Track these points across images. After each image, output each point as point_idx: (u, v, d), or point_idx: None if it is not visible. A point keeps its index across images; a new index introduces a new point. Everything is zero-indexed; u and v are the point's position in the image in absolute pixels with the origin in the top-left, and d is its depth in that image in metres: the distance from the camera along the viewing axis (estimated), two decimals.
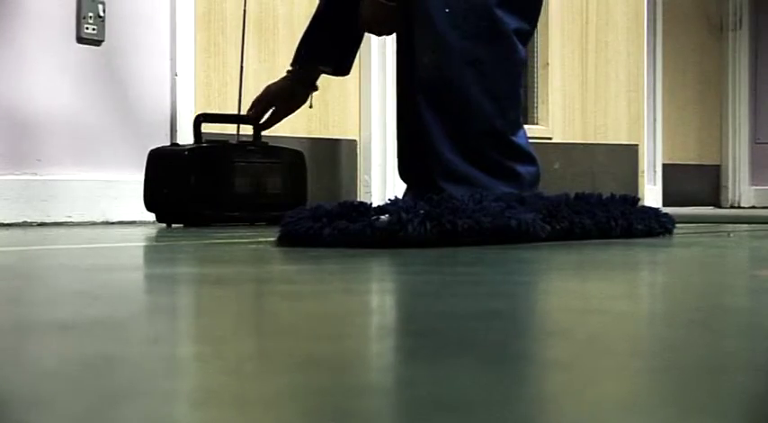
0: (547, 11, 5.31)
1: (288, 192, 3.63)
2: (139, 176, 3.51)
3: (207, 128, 3.77)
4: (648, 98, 6.26)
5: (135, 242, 2.67)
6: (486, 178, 2.66)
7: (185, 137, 3.60)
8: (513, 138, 2.72)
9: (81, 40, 3.69)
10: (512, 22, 2.69)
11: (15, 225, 3.46)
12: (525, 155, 2.74)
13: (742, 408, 0.67)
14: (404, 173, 2.83)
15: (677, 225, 2.72)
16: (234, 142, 3.64)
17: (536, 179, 2.74)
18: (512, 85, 2.73)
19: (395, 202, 2.25)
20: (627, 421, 0.63)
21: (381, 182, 4.72)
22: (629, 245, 2.34)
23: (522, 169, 2.71)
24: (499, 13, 2.67)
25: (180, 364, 0.84)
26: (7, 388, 0.72)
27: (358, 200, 3.38)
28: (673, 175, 6.66)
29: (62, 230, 3.17)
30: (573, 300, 1.30)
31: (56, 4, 3.65)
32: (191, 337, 1.02)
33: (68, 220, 3.61)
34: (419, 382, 0.75)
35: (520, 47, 2.73)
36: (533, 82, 5.36)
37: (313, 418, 0.64)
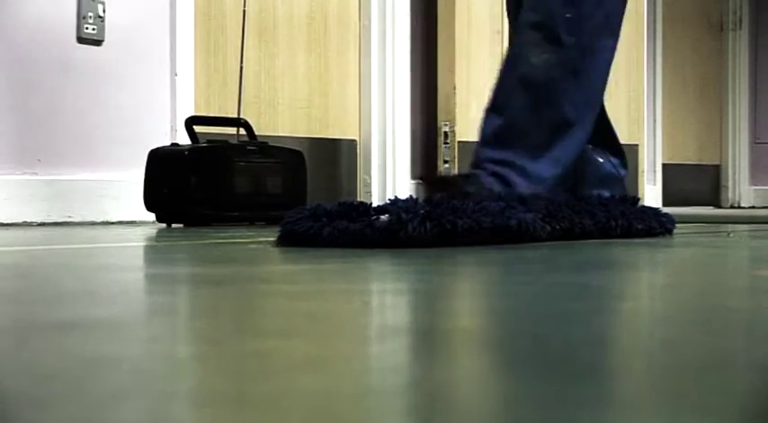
0: None
1: (288, 192, 3.64)
2: (139, 176, 3.51)
3: (208, 128, 3.78)
4: (648, 98, 6.26)
5: (135, 242, 2.67)
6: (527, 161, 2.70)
7: (185, 137, 3.61)
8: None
9: (81, 40, 3.69)
10: (613, 42, 2.76)
11: (15, 225, 3.46)
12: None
13: (742, 407, 0.67)
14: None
15: (677, 225, 2.72)
16: (234, 142, 3.64)
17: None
18: (599, 100, 2.79)
19: (395, 202, 2.25)
20: (627, 421, 0.63)
21: (381, 182, 4.72)
22: (629, 245, 2.34)
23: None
24: (613, 28, 2.75)
25: (180, 364, 0.84)
26: (7, 388, 0.72)
27: (358, 200, 3.38)
28: (673, 175, 6.66)
29: (62, 230, 3.17)
30: (573, 299, 1.30)
31: (56, 4, 3.65)
32: (191, 337, 1.02)
33: (68, 220, 3.61)
34: (420, 383, 0.75)
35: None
36: None
37: (313, 418, 0.64)
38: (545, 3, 2.69)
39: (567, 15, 2.67)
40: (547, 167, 2.67)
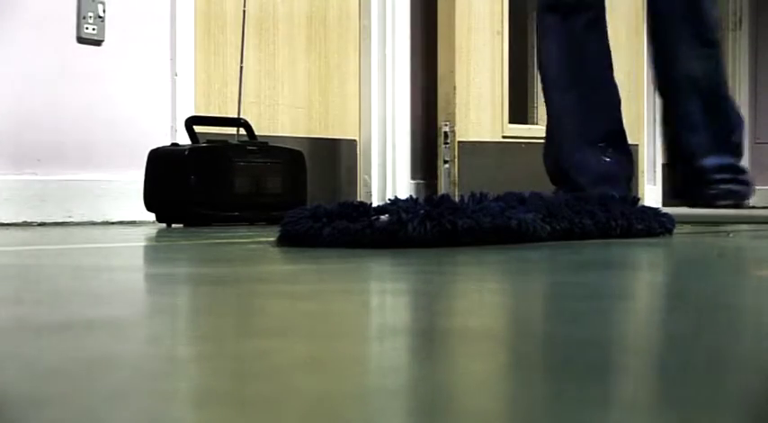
0: None
1: (288, 192, 3.63)
2: (139, 176, 3.51)
3: (208, 128, 3.78)
4: (648, 98, 6.26)
5: (135, 242, 2.67)
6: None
7: (185, 137, 3.60)
8: None
9: (81, 40, 3.69)
10: None
11: (15, 225, 3.46)
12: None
13: (742, 408, 0.67)
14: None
15: (677, 225, 2.72)
16: (234, 142, 3.64)
17: None
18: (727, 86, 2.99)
19: (395, 202, 2.25)
20: (627, 421, 0.63)
21: (381, 182, 4.72)
22: (629, 245, 2.34)
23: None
24: None
25: (180, 364, 0.84)
26: (7, 388, 0.72)
27: (358, 200, 3.38)
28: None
29: (62, 230, 3.17)
30: (573, 299, 1.30)
31: (56, 4, 3.65)
32: (191, 337, 1.02)
33: (68, 220, 3.61)
34: (420, 383, 0.75)
35: None
36: (533, 82, 5.36)
37: (313, 418, 0.64)
38: (699, 7, 2.81)
39: (714, 14, 2.83)
40: (730, 158, 2.82)
